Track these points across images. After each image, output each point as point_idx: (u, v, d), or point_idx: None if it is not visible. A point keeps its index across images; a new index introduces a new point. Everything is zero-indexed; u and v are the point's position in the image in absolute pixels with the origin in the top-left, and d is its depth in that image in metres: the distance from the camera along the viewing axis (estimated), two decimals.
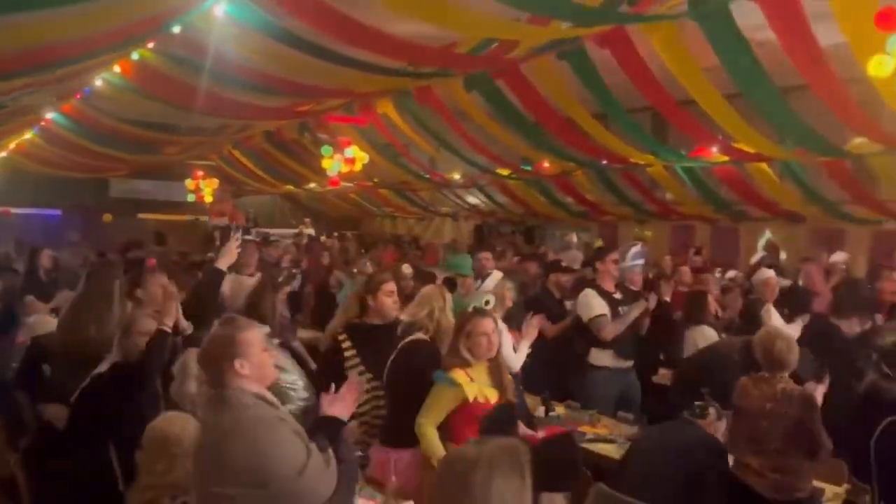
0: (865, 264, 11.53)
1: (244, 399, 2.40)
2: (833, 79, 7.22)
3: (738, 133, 8.99)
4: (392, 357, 3.70)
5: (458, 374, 3.43)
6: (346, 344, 3.85)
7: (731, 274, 10.49)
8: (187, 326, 3.88)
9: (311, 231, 19.44)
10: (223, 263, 4.17)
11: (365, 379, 3.74)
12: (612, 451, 4.53)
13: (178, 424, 2.77)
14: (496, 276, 4.80)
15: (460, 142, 12.97)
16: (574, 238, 13.54)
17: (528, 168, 13.93)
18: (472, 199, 18.72)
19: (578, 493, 3.38)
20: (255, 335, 2.50)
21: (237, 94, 10.70)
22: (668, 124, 10.94)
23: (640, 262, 5.91)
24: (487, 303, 4.01)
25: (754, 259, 12.16)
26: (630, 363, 6.02)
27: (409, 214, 21.56)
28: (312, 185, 19.99)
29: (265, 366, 2.49)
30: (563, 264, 6.82)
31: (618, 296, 5.67)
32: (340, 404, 2.66)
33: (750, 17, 6.99)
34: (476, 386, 3.42)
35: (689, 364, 5.16)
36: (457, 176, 16.26)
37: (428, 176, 16.02)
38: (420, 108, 12.13)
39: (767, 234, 13.68)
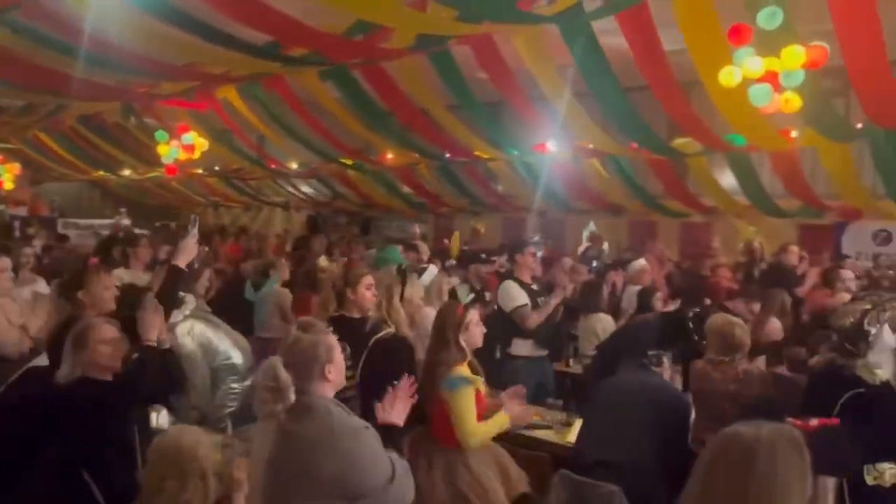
0: (677, 254, 13.04)
1: (329, 406, 2.34)
2: (672, 82, 8.08)
3: (583, 131, 9.76)
4: (366, 353, 3.66)
5: (464, 370, 3.46)
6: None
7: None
8: (166, 340, 3.42)
9: (126, 221, 18.13)
10: (183, 261, 3.72)
11: (349, 374, 3.73)
12: (552, 436, 4.62)
13: (190, 436, 2.47)
14: (432, 270, 4.87)
15: (308, 131, 12.84)
16: (416, 229, 13.88)
17: (373, 158, 14.07)
18: (306, 189, 18.46)
19: (542, 481, 3.60)
20: (334, 339, 2.46)
21: (62, 64, 9.46)
22: (517, 119, 11.50)
23: (540, 252, 6.30)
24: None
25: (580, 249, 13.26)
26: (546, 352, 6.22)
27: (235, 203, 20.79)
28: (128, 171, 18.67)
29: (343, 370, 2.46)
30: (484, 256, 6.97)
31: (535, 287, 5.93)
32: (398, 410, 2.59)
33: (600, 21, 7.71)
34: (477, 378, 3.50)
35: (608, 343, 5.40)
36: (294, 165, 15.99)
37: (264, 163, 15.61)
38: (266, 95, 11.87)
39: (591, 226, 14.86)
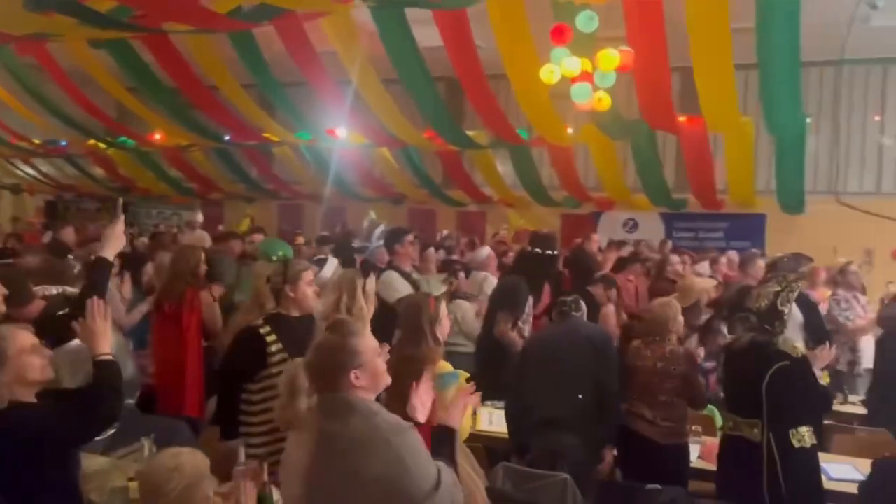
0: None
1: (370, 405, 2.13)
2: (481, 76, 8.49)
3: (390, 120, 9.86)
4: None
5: (447, 366, 3.31)
6: (272, 338, 3.41)
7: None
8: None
9: None
10: (111, 252, 3.11)
11: None
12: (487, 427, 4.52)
13: (170, 459, 2.12)
14: (332, 262, 4.55)
15: (64, 101, 11.41)
16: (199, 217, 12.98)
17: (142, 135, 12.90)
18: (47, 169, 16.29)
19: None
20: (368, 340, 2.20)
21: None
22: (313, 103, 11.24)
23: (382, 241, 6.21)
24: None
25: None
26: None
27: None
28: None
29: (380, 374, 2.20)
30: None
31: (415, 276, 5.80)
32: (456, 413, 2.34)
33: (413, 13, 7.89)
34: (463, 372, 3.33)
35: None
36: (37, 140, 14.08)
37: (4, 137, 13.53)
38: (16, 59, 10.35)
39: (372, 214, 15.05)
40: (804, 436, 3.22)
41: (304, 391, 2.06)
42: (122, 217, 3.15)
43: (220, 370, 3.60)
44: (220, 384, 3.48)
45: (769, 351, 3.18)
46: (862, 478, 3.51)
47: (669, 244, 10.78)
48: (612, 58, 6.45)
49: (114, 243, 3.11)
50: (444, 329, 3.33)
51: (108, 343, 2.55)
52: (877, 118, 12.05)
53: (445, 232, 12.84)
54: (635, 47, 7.14)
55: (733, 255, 8.87)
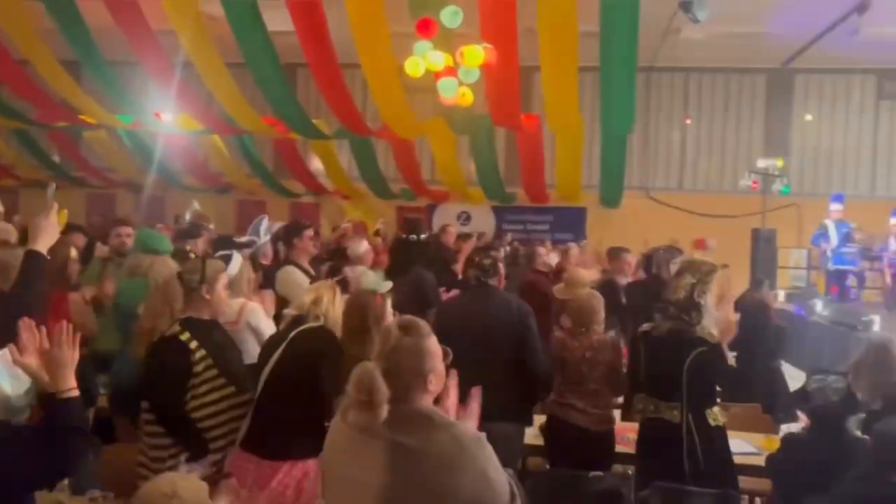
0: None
1: (444, 415, 1.97)
2: (334, 63, 8.31)
3: (231, 105, 9.36)
4: (280, 351, 3.05)
5: None
6: (194, 344, 3.06)
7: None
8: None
9: None
10: (44, 245, 2.68)
11: (220, 383, 3.00)
12: None
13: (166, 485, 1.83)
14: (237, 258, 4.09)
15: None
16: None
17: None
18: None
19: None
20: (435, 341, 2.02)
21: None
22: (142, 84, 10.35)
23: (269, 237, 5.84)
24: None
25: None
26: None
27: None
28: None
29: (443, 377, 2.02)
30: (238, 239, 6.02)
31: (313, 272, 5.42)
32: (470, 418, 2.21)
33: None
34: None
35: None
36: None
37: None
38: None
39: (196, 205, 14.21)
40: (717, 414, 3.52)
41: (387, 399, 1.87)
42: (56, 206, 2.72)
43: (143, 390, 3.13)
44: (159, 408, 3.04)
45: (688, 338, 3.43)
46: (755, 451, 3.93)
47: (509, 236, 11.24)
48: (477, 53, 6.61)
49: (46, 235, 2.70)
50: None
51: (72, 375, 2.13)
52: (687, 121, 13.37)
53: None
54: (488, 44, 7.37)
55: (574, 246, 9.43)
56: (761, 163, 10.45)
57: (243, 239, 5.78)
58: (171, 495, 1.80)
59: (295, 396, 2.97)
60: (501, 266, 4.12)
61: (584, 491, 3.23)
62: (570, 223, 13.68)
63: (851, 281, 9.92)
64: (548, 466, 4.03)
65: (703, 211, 12.55)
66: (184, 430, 3.00)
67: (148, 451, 3.10)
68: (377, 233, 9.74)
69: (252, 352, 3.53)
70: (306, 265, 5.05)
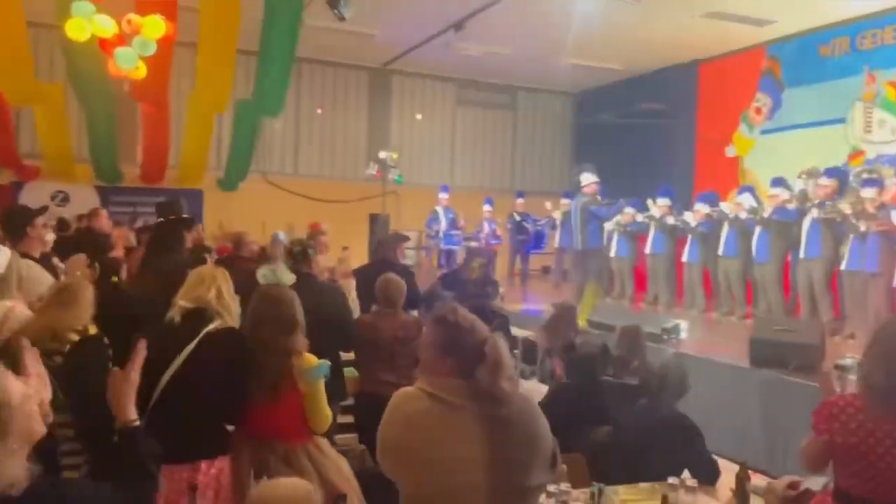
0: None
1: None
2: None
3: None
4: (191, 350, 2.75)
5: (312, 358, 2.97)
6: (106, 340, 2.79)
7: None
8: None
9: None
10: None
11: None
12: None
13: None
14: (4, 252, 2.98)
15: None
16: None
17: None
18: None
19: None
20: None
21: None
22: None
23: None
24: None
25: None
26: None
27: None
28: None
29: None
30: None
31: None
32: None
33: None
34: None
35: None
36: None
37: None
38: None
39: None
40: None
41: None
42: None
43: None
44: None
45: (486, 312, 3.94)
46: None
47: (141, 221, 10.41)
48: (159, 25, 6.13)
49: None
50: None
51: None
52: (319, 110, 13.93)
53: None
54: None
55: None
56: (382, 154, 11.57)
57: None
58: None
59: (202, 401, 2.73)
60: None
61: None
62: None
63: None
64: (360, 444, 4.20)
65: (322, 197, 13.31)
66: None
67: None
68: None
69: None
70: (36, 255, 4.18)
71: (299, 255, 4.07)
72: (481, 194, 12.85)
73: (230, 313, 2.92)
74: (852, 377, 4.86)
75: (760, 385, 5.49)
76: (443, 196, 11.71)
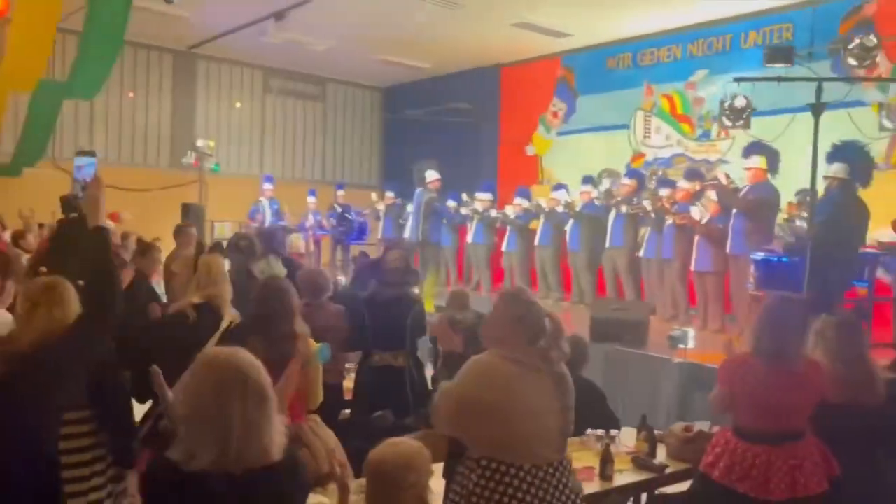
0: None
1: None
2: None
3: None
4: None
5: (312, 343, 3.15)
6: None
7: None
8: None
9: None
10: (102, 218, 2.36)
11: None
12: None
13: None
14: None
15: None
16: None
17: None
18: None
19: None
20: None
21: None
22: None
23: None
24: None
25: None
26: None
27: None
28: None
29: None
30: None
31: None
32: None
33: None
34: None
35: None
36: None
37: None
38: None
39: None
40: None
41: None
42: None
43: None
44: None
45: (408, 299, 4.20)
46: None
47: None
48: None
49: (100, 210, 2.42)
50: None
51: None
52: (131, 95, 12.92)
53: None
54: None
55: None
56: (200, 142, 11.09)
57: None
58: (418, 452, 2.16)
59: None
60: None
61: (375, 427, 3.75)
62: None
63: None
64: None
65: (122, 185, 12.41)
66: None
67: None
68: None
69: None
70: None
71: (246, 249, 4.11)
72: (303, 186, 12.81)
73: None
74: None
75: (603, 355, 6.33)
76: (267, 187, 11.54)
